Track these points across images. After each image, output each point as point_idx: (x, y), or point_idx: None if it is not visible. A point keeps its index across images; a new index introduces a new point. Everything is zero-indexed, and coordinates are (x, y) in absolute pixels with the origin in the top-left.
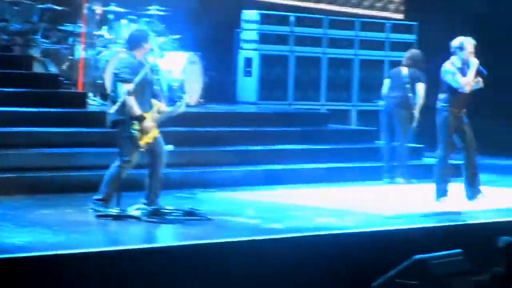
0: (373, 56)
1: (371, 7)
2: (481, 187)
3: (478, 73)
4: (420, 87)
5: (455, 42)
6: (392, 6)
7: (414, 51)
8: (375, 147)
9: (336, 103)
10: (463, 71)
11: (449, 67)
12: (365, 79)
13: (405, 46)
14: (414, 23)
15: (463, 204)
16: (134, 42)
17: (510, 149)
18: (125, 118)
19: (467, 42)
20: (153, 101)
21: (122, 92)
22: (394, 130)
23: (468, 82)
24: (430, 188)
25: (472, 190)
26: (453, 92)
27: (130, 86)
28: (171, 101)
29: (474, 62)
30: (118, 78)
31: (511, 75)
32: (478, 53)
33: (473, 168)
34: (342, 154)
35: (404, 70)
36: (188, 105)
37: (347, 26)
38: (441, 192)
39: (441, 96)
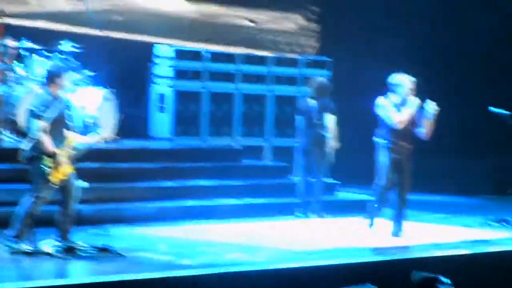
0: (287, 92)
1: (291, 51)
2: (404, 223)
3: (422, 116)
4: (330, 120)
5: (393, 79)
6: (310, 50)
7: (316, 80)
8: (289, 183)
9: (250, 138)
10: (399, 108)
11: (383, 101)
12: (279, 114)
13: None
14: (328, 59)
15: (378, 239)
16: (48, 78)
17: (426, 183)
18: (38, 155)
19: (406, 79)
20: (68, 135)
21: (35, 129)
22: (310, 167)
23: (402, 120)
24: (343, 223)
25: (398, 226)
26: (388, 126)
27: (43, 123)
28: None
29: (413, 101)
30: (33, 115)
31: None
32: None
33: (403, 205)
34: (255, 189)
35: (312, 103)
36: (103, 140)
37: (261, 62)
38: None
39: (379, 131)
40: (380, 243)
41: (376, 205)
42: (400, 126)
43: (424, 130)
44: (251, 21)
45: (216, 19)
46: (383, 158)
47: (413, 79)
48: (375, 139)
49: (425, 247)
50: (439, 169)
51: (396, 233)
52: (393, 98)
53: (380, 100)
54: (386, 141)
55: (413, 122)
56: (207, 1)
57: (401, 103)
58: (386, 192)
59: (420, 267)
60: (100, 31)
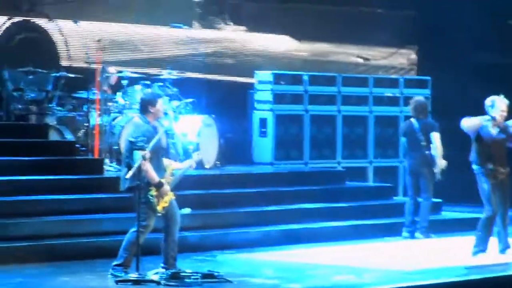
0: (388, 112)
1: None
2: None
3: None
4: (436, 138)
5: (488, 100)
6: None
7: (415, 101)
8: (393, 203)
9: (353, 160)
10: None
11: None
12: (380, 135)
13: None
14: (427, 78)
15: (482, 258)
16: (143, 106)
17: None
18: (141, 184)
19: (499, 101)
20: (165, 162)
21: (137, 158)
22: (419, 187)
23: (469, 120)
24: (449, 242)
25: (504, 244)
26: (474, 148)
27: (146, 153)
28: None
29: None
30: (135, 147)
31: None
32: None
33: (505, 222)
34: (360, 211)
35: (415, 123)
36: (200, 164)
37: (361, 83)
38: (480, 250)
39: (472, 155)
40: (485, 261)
41: (480, 233)
42: (463, 123)
43: None
44: (364, 58)
45: (327, 57)
46: (482, 184)
47: (507, 101)
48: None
49: None
50: None
51: (503, 250)
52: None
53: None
54: (480, 167)
55: (506, 143)
56: (318, 40)
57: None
58: (494, 218)
59: None
60: (210, 74)
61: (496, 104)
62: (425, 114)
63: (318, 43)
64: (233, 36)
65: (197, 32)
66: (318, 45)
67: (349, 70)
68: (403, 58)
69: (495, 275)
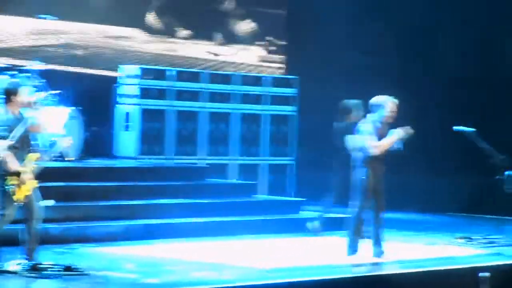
0: (253, 110)
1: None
2: (385, 244)
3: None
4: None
5: (376, 99)
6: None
7: (340, 103)
8: (253, 201)
9: (216, 157)
10: (381, 130)
11: (365, 127)
12: (245, 133)
13: (285, 100)
14: (294, 77)
15: (347, 258)
16: (6, 96)
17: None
18: (1, 173)
19: (389, 101)
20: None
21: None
22: None
23: (378, 146)
24: (310, 241)
25: (378, 247)
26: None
27: (7, 143)
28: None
29: (396, 133)
30: None
31: None
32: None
33: (379, 225)
34: (220, 208)
35: (336, 125)
36: (64, 153)
37: (226, 81)
38: (353, 249)
39: (357, 154)
40: (347, 261)
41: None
42: (375, 151)
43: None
44: (213, 54)
45: (177, 53)
46: (359, 179)
47: (396, 100)
48: (355, 163)
49: (390, 265)
50: (406, 187)
51: (378, 254)
52: (375, 119)
53: (362, 126)
54: (365, 164)
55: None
56: (170, 36)
57: (382, 124)
58: (362, 212)
59: (383, 284)
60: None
61: (386, 104)
62: (344, 117)
63: (170, 38)
64: (86, 29)
65: (60, 23)
66: (171, 41)
67: (198, 65)
68: (253, 54)
69: (351, 276)
